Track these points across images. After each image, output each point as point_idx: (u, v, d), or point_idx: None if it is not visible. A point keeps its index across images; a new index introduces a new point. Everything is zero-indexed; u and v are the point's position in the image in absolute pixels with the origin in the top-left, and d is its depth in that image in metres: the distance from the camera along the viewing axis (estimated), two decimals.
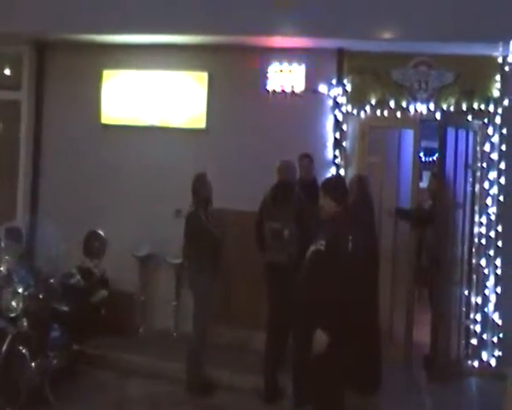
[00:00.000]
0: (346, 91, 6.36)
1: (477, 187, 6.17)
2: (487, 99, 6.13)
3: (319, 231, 3.87)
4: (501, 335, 5.98)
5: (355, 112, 6.36)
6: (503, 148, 6.05)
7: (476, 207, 6.16)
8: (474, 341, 6.08)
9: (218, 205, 5.53)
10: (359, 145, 6.36)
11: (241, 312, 6.16)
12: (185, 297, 6.04)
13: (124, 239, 6.41)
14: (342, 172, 6.30)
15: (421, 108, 6.24)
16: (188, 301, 5.55)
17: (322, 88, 6.36)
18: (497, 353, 5.99)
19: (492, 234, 6.05)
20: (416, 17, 5.81)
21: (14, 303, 4.68)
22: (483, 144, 6.15)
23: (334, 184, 4.14)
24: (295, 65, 6.38)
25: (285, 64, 6.38)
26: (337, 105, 6.34)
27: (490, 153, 6.11)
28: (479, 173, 6.18)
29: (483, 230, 6.11)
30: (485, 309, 6.05)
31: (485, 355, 6.03)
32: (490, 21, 5.66)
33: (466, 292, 6.09)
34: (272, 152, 5.87)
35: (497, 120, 6.09)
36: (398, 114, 6.28)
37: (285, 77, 6.38)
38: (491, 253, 6.05)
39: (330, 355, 3.62)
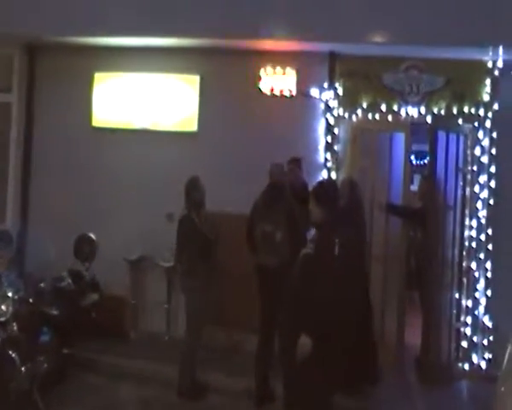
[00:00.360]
0: (338, 95, 6.38)
1: (467, 190, 6.20)
2: (477, 103, 6.18)
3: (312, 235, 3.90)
4: (491, 338, 6.01)
5: (346, 115, 6.38)
6: (494, 151, 6.09)
7: (467, 211, 6.19)
8: (464, 343, 6.11)
9: (210, 208, 5.53)
10: (351, 149, 6.37)
11: (234, 314, 6.14)
12: (176, 301, 6.01)
13: (115, 242, 6.37)
14: (334, 175, 6.31)
15: (413, 111, 6.27)
16: (179, 304, 5.53)
17: (314, 91, 6.38)
18: (488, 355, 6.02)
19: (483, 237, 6.09)
20: (407, 22, 5.85)
21: (3, 307, 4.63)
22: (473, 148, 6.20)
23: (324, 189, 4.17)
24: (287, 68, 6.38)
25: (277, 68, 6.39)
26: (328, 109, 6.36)
27: (480, 156, 6.15)
28: (469, 177, 6.22)
29: (473, 233, 6.14)
30: (476, 312, 6.08)
31: (475, 358, 6.06)
32: (480, 26, 5.70)
33: (457, 295, 6.12)
34: (264, 155, 5.86)
35: (488, 123, 6.14)
36: (390, 118, 6.31)
37: (277, 80, 6.37)
38: (482, 256, 6.08)
39: (314, 359, 3.64)
